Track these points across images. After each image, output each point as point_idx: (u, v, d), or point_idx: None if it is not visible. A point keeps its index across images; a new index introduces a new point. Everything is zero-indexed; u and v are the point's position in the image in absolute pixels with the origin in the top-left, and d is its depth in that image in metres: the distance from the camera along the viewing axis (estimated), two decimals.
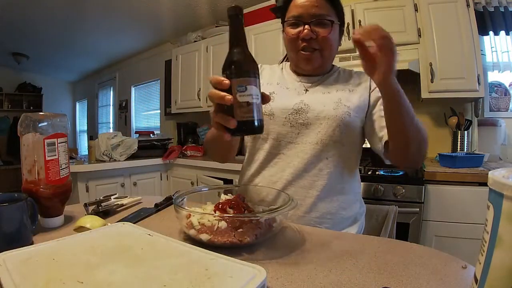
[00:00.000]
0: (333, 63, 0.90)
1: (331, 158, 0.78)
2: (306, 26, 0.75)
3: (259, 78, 0.49)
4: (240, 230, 0.55)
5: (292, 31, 0.78)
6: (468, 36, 1.66)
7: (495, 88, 1.96)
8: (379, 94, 0.76)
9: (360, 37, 0.56)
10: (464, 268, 0.46)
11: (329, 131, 0.77)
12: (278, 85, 0.86)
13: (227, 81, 0.47)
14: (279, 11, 0.84)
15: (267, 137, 0.83)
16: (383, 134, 0.75)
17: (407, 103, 0.64)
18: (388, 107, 0.66)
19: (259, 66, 0.73)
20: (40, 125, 0.66)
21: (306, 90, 0.84)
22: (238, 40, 0.49)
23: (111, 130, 4.94)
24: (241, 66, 0.48)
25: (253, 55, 0.50)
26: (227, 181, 2.17)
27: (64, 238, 0.52)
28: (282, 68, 0.92)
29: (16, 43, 3.84)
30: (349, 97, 0.80)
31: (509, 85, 1.94)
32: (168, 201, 0.87)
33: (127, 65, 4.50)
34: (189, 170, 2.54)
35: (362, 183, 1.55)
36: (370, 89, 0.82)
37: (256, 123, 0.48)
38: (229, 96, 0.47)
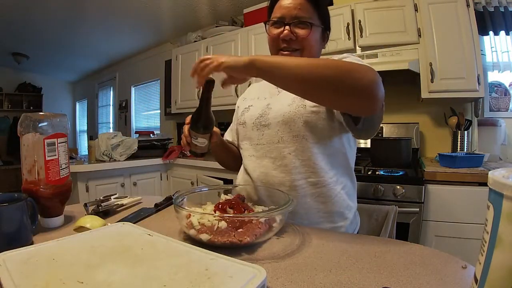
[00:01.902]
0: None
1: (294, 153, 0.79)
2: (287, 27, 0.78)
3: (211, 128, 0.75)
4: (240, 230, 0.55)
5: (274, 31, 0.81)
6: (468, 36, 1.66)
7: (495, 88, 1.96)
8: None
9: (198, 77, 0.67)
10: (464, 268, 0.46)
11: (286, 128, 0.80)
12: (258, 99, 0.93)
13: (187, 127, 0.76)
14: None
15: (242, 143, 0.92)
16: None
17: (284, 70, 0.60)
18: (272, 83, 0.66)
19: (248, 88, 1.04)
20: (40, 125, 0.66)
21: (279, 93, 0.88)
22: (206, 103, 0.72)
23: (111, 130, 4.94)
24: (197, 125, 0.73)
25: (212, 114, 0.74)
26: (227, 181, 2.17)
27: (64, 238, 0.52)
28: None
29: (16, 43, 3.84)
30: None
31: (509, 85, 1.94)
32: (168, 201, 0.88)
33: (127, 65, 4.50)
34: (189, 170, 2.54)
35: (362, 183, 1.55)
36: None
37: (197, 154, 0.79)
38: (187, 147, 0.79)
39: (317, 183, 0.79)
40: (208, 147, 0.78)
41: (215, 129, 0.81)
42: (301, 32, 0.78)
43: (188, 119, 0.77)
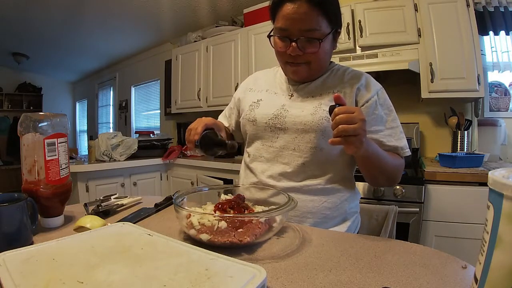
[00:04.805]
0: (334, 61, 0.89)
1: (308, 163, 0.79)
2: (293, 44, 0.72)
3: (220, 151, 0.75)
4: (240, 230, 0.55)
5: (280, 43, 0.76)
6: (468, 36, 1.66)
7: (495, 88, 1.96)
8: (369, 111, 0.77)
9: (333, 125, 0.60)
10: (464, 268, 0.46)
11: (306, 137, 0.78)
12: (267, 92, 0.88)
13: (196, 137, 0.74)
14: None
15: (252, 141, 0.88)
16: None
17: (376, 161, 0.71)
18: (357, 161, 0.75)
19: (252, 77, 0.98)
20: (40, 125, 0.66)
21: (291, 95, 0.84)
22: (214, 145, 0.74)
23: (111, 130, 4.94)
24: (207, 152, 0.75)
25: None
26: (227, 181, 2.17)
27: (64, 238, 0.52)
28: (276, 72, 0.93)
29: (16, 43, 3.84)
30: (332, 101, 0.79)
31: (509, 85, 1.94)
32: (168, 201, 0.88)
33: (127, 65, 4.50)
34: (189, 170, 2.54)
35: (362, 183, 1.55)
36: (356, 103, 0.79)
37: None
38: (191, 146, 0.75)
39: (325, 190, 0.79)
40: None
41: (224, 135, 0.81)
42: (309, 47, 0.73)
43: (200, 127, 0.75)
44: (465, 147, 1.83)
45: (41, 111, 3.87)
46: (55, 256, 0.44)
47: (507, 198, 0.26)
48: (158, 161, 2.65)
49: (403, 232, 1.47)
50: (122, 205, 0.86)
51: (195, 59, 2.87)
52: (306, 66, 0.77)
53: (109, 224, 0.64)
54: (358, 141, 0.59)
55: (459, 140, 1.84)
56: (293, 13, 0.70)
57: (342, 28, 0.82)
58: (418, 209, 1.46)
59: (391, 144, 0.79)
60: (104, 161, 2.33)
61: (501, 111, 1.94)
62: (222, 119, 1.03)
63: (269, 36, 0.78)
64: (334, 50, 0.83)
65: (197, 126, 0.75)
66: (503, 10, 1.84)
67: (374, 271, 0.46)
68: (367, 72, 0.85)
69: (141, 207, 0.85)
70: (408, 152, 0.80)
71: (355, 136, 0.58)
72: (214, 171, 2.32)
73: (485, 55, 1.89)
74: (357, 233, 0.87)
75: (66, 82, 6.20)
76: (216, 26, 2.79)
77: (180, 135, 3.26)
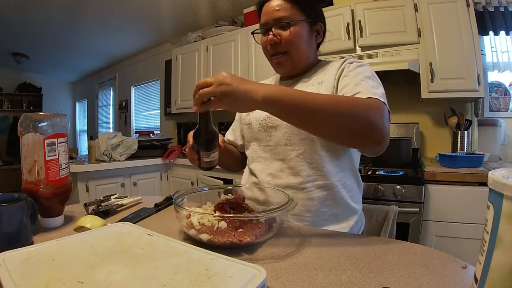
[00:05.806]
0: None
1: (301, 156, 0.79)
2: (270, 32, 0.80)
3: (217, 143, 0.71)
4: (240, 230, 0.55)
5: (263, 38, 0.83)
6: (468, 36, 1.66)
7: (495, 88, 1.96)
8: (342, 82, 0.76)
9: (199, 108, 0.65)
10: (464, 268, 0.46)
11: (294, 130, 0.79)
12: None
13: (190, 145, 0.74)
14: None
15: (249, 143, 0.91)
16: None
17: (291, 103, 0.60)
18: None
19: None
20: (40, 125, 0.66)
21: None
22: (206, 120, 0.68)
23: (111, 130, 4.94)
24: (202, 145, 0.70)
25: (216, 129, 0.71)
26: (227, 181, 2.17)
27: (64, 238, 0.52)
28: (271, 80, 0.98)
29: (16, 43, 3.84)
30: (316, 90, 0.79)
31: (509, 85, 1.94)
32: (168, 201, 0.88)
33: (127, 65, 4.50)
34: (189, 170, 2.54)
35: (362, 183, 1.54)
36: (335, 76, 0.79)
37: (208, 169, 0.75)
38: (195, 162, 0.74)
39: (324, 186, 0.79)
40: (217, 160, 0.74)
41: (220, 137, 0.78)
42: (283, 33, 0.78)
43: (190, 137, 0.74)
44: (465, 147, 1.83)
45: (41, 111, 3.87)
46: (55, 256, 0.44)
47: (507, 198, 0.26)
48: (158, 161, 2.65)
49: (403, 232, 1.47)
50: (122, 205, 0.86)
51: (195, 59, 2.87)
52: (286, 56, 0.81)
53: (109, 224, 0.64)
54: (221, 95, 0.60)
55: (459, 140, 1.84)
56: (269, 7, 0.80)
57: (325, 25, 0.86)
58: (418, 209, 1.46)
59: (353, 90, 0.70)
60: (104, 161, 2.33)
61: (501, 111, 1.94)
62: (230, 134, 1.05)
63: (252, 33, 0.86)
64: (320, 43, 0.87)
65: (188, 139, 0.76)
66: (503, 10, 1.84)
67: (374, 271, 0.46)
68: None
69: (141, 207, 0.85)
70: (371, 93, 0.66)
71: (215, 97, 0.61)
72: (214, 171, 2.32)
73: (485, 55, 1.89)
74: (362, 232, 0.86)
75: (66, 82, 6.20)
76: (216, 26, 2.79)
77: (180, 135, 3.25)
